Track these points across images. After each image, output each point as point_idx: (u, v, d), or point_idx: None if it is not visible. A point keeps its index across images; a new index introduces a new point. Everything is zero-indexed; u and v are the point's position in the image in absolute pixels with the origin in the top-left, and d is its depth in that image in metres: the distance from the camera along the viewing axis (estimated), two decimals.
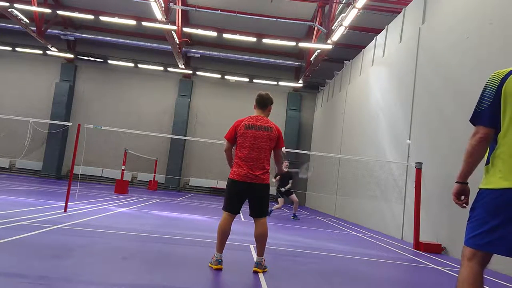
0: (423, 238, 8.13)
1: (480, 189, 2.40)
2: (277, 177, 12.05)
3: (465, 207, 2.55)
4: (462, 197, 2.55)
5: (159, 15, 15.00)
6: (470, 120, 2.43)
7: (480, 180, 2.43)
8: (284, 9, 18.33)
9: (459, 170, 2.49)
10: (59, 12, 20.14)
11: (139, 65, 23.28)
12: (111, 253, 4.74)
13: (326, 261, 5.74)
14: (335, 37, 14.91)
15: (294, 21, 17.85)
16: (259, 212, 4.47)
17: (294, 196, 12.21)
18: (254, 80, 23.40)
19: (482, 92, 2.40)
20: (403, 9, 11.65)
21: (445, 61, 8.64)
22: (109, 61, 23.22)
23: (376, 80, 13.15)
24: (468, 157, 2.41)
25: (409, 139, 9.62)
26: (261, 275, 4.30)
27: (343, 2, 15.12)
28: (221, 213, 4.53)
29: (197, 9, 17.57)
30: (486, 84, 2.39)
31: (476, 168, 2.43)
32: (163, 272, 4.08)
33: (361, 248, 7.44)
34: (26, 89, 23.30)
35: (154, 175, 22.46)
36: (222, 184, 22.80)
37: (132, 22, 18.83)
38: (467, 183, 2.51)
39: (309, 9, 18.49)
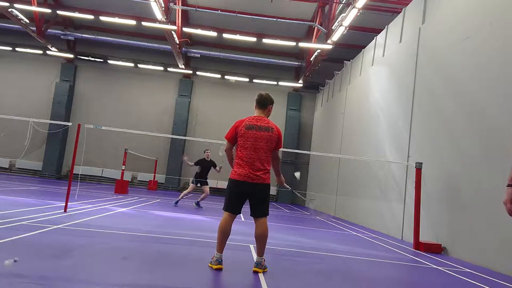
0: (423, 238, 8.13)
1: None
2: (193, 163, 12.19)
3: None
4: None
5: (159, 15, 15.00)
6: None
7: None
8: (284, 9, 18.33)
9: (509, 172, 2.10)
10: (59, 12, 20.13)
11: (139, 65, 23.26)
12: (111, 253, 4.74)
13: (326, 261, 5.74)
14: (335, 37, 14.91)
15: (294, 21, 17.84)
16: (260, 212, 4.48)
17: (207, 188, 12.32)
18: (254, 80, 23.39)
19: None
20: (403, 9, 11.65)
21: (445, 61, 8.64)
22: (109, 61, 23.20)
23: (376, 80, 13.15)
24: None
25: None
26: (261, 275, 4.30)
27: (343, 2, 15.11)
28: (221, 213, 4.53)
29: (197, 9, 17.56)
30: None
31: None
32: (163, 272, 4.08)
33: (361, 248, 7.44)
34: (26, 89, 23.30)
35: (154, 175, 22.45)
36: (222, 184, 22.79)
37: (132, 22, 18.83)
38: None
39: (309, 9, 18.49)
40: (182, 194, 12.60)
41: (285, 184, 5.12)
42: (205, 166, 12.25)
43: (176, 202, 12.54)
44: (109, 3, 20.02)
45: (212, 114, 23.83)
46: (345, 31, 14.31)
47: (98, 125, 9.43)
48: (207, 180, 12.33)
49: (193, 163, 12.25)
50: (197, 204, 12.68)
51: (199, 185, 12.27)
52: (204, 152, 12.37)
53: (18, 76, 23.37)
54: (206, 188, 12.31)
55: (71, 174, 8.31)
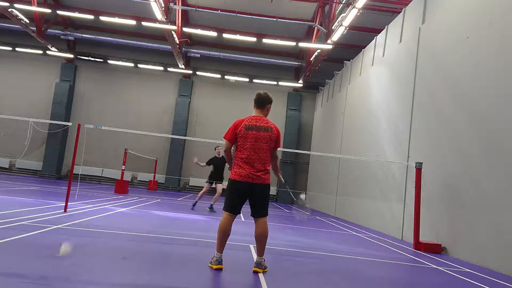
0: (423, 238, 8.13)
1: None
2: (205, 164, 11.45)
3: None
4: None
5: (159, 15, 14.99)
6: None
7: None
8: (284, 9, 18.33)
9: None
10: (59, 12, 20.13)
11: (139, 65, 23.26)
12: (111, 253, 4.74)
13: (326, 261, 5.74)
14: (335, 37, 14.91)
15: (294, 21, 17.84)
16: (260, 212, 4.48)
17: (220, 186, 11.35)
18: (254, 80, 23.39)
19: None
20: (403, 9, 11.65)
21: (445, 61, 8.64)
22: (109, 61, 23.20)
23: (376, 80, 13.15)
24: None
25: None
26: (261, 275, 4.30)
27: (343, 2, 15.11)
28: (221, 213, 4.53)
29: (197, 9, 17.56)
30: None
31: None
32: (163, 272, 4.08)
33: (361, 248, 7.44)
34: (26, 89, 23.29)
35: (154, 175, 22.45)
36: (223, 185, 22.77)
37: (132, 22, 18.82)
38: None
39: (309, 9, 18.49)
40: (198, 196, 11.78)
41: (281, 178, 5.14)
42: (219, 163, 11.42)
43: (194, 205, 11.87)
44: (109, 3, 20.01)
45: (212, 114, 23.83)
46: (345, 31, 14.31)
47: (98, 125, 9.43)
48: (223, 178, 11.32)
49: (205, 163, 11.49)
50: (211, 208, 11.62)
51: (214, 185, 11.49)
52: (215, 149, 11.55)
53: (18, 76, 23.36)
54: (219, 187, 11.35)
55: (71, 174, 8.31)
